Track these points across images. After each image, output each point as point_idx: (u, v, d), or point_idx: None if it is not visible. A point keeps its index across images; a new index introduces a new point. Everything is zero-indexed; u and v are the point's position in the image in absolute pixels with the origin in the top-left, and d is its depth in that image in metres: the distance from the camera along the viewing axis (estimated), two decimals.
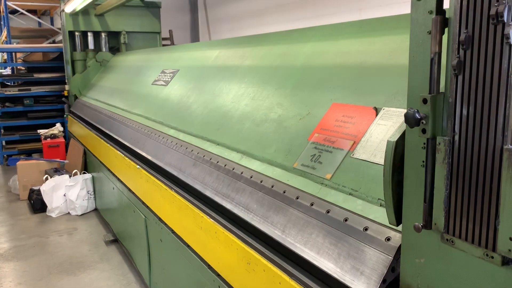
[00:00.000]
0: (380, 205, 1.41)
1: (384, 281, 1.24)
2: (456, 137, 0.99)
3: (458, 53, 0.96)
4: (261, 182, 1.93)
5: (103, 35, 6.72)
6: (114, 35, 6.85)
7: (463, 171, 0.98)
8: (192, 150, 2.62)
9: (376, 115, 1.65)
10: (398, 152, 1.14)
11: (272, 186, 1.85)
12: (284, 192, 1.77)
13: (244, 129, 2.34)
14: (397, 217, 1.19)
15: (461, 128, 0.98)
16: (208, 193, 2.22)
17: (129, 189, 3.51)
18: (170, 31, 8.71)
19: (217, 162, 2.32)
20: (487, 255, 0.95)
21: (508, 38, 0.86)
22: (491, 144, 0.92)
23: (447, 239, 1.03)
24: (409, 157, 1.10)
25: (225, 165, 2.24)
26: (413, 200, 1.11)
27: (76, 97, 6.69)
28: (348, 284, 1.32)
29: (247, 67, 2.86)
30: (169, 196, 2.58)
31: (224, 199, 2.08)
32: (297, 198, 1.69)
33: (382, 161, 1.49)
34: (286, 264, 1.63)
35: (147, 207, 3.06)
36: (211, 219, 2.10)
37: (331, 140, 1.77)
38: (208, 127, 2.70)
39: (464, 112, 0.96)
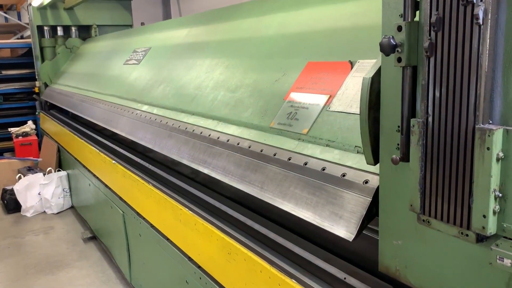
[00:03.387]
0: (357, 152, 1.41)
1: (363, 222, 1.24)
2: (430, 119, 0.99)
3: (430, 35, 0.96)
4: (238, 144, 1.91)
5: (73, 29, 6.51)
6: (84, 29, 6.64)
7: (437, 152, 0.99)
8: (166, 122, 2.58)
9: (351, 68, 1.65)
10: (374, 89, 1.14)
11: (249, 147, 1.83)
12: (262, 151, 1.75)
13: (219, 97, 2.31)
14: (375, 156, 1.18)
15: (434, 109, 0.98)
16: (185, 161, 2.19)
17: (106, 185, 3.45)
18: (142, 24, 8.54)
19: (193, 130, 2.28)
20: (462, 233, 0.96)
21: (477, 18, 0.86)
22: (463, 124, 0.93)
23: (423, 220, 1.04)
24: (385, 89, 1.10)
25: (201, 133, 2.21)
26: (390, 136, 1.11)
27: (46, 85, 6.49)
28: (328, 229, 1.31)
29: (219, 40, 2.82)
30: (147, 190, 2.54)
31: (201, 164, 2.05)
32: (275, 155, 1.68)
33: (357, 111, 1.49)
34: (267, 253, 1.64)
35: (125, 202, 3.01)
36: (190, 211, 2.08)
37: (307, 97, 1.76)
38: (182, 99, 2.66)
39: (437, 93, 0.97)
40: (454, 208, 0.96)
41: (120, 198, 3.10)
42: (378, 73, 1.13)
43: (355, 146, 1.42)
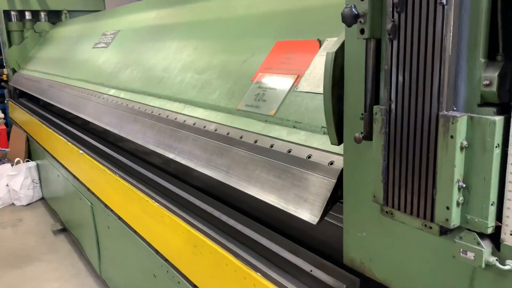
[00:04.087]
0: (324, 133, 1.35)
1: (327, 204, 1.19)
2: (393, 106, 0.93)
3: (393, 17, 0.90)
4: (205, 127, 1.83)
5: (42, 14, 6.25)
6: (55, 14, 6.38)
7: (400, 140, 0.93)
8: (133, 106, 2.48)
9: (320, 47, 1.59)
10: (337, 64, 1.08)
11: (216, 130, 1.76)
12: (228, 134, 1.69)
13: (187, 79, 2.22)
14: (339, 135, 1.13)
15: (397, 96, 0.92)
16: (151, 146, 2.11)
17: (74, 176, 3.33)
18: None
19: (159, 114, 2.20)
20: (425, 225, 0.91)
21: None
22: (427, 111, 0.87)
23: (386, 212, 0.99)
24: (349, 64, 1.04)
25: (167, 116, 2.13)
26: (354, 112, 1.06)
27: (14, 71, 6.25)
28: (292, 212, 1.26)
29: (188, 22, 2.71)
30: (114, 181, 2.45)
31: (167, 149, 1.97)
32: (241, 137, 1.61)
33: None
34: (233, 245, 1.59)
35: (93, 193, 2.91)
36: (157, 203, 2.01)
37: (275, 78, 1.69)
38: (149, 82, 2.56)
39: (400, 78, 0.91)
40: (418, 199, 0.91)
41: (88, 189, 2.99)
42: (342, 48, 1.07)
43: (322, 127, 1.37)
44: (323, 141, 1.33)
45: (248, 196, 1.45)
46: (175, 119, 2.05)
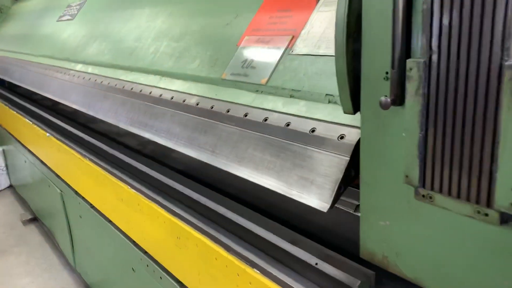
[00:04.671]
0: (329, 102, 1.13)
1: (340, 187, 0.97)
2: (435, 57, 0.70)
3: None
4: (184, 101, 1.59)
5: None
6: None
7: (444, 103, 0.70)
8: (102, 82, 2.20)
9: (317, 2, 1.35)
10: (354, 9, 0.85)
11: (197, 104, 1.52)
12: (212, 107, 1.45)
13: (162, 48, 1.96)
14: (354, 101, 0.91)
15: (440, 43, 0.69)
16: (122, 124, 1.85)
17: (41, 161, 3.03)
18: None
19: (131, 89, 1.93)
20: (479, 212, 0.69)
21: None
22: (484, 61, 0.64)
23: (423, 195, 0.77)
24: (368, 7, 0.81)
25: (140, 91, 1.87)
26: (375, 71, 0.83)
27: None
28: (296, 198, 1.04)
29: None
30: (84, 166, 2.18)
31: (142, 128, 1.72)
32: (228, 111, 1.38)
33: (328, 51, 1.20)
34: (223, 236, 1.35)
35: (62, 180, 2.63)
36: (133, 189, 1.76)
37: (264, 41, 1.45)
38: (120, 54, 2.28)
39: (445, 21, 0.68)
40: (468, 178, 0.70)
41: (57, 175, 2.72)
42: None
43: (326, 94, 1.14)
44: (328, 111, 1.11)
45: (239, 179, 1.22)
46: (150, 93, 1.80)
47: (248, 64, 1.44)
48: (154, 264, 1.71)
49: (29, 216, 3.84)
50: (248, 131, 1.27)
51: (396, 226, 0.87)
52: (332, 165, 1.00)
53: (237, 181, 1.33)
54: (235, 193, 1.61)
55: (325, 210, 0.97)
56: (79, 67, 2.60)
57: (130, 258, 1.91)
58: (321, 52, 1.23)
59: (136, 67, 2.05)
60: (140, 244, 1.82)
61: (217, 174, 1.39)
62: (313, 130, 1.09)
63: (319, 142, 1.06)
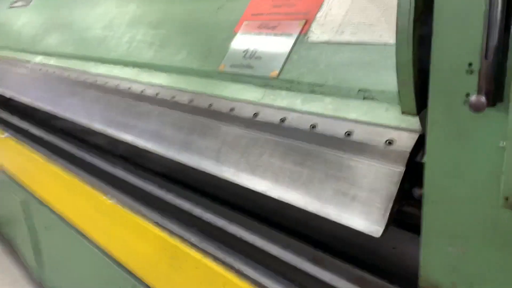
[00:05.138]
0: (364, 98, 0.94)
1: (394, 205, 0.80)
2: None
3: None
4: (174, 98, 1.36)
5: None
6: None
7: None
8: (68, 75, 1.93)
9: None
10: None
11: (191, 101, 1.30)
12: (211, 105, 1.23)
13: (138, 37, 1.71)
14: (419, 99, 0.73)
15: None
16: (97, 125, 1.60)
17: None
18: None
19: (105, 83, 1.68)
20: None
21: None
22: None
23: None
24: None
25: (117, 86, 1.62)
26: (452, 62, 0.65)
27: None
28: (333, 218, 0.86)
29: None
30: (51, 171, 1.90)
31: (122, 130, 1.48)
32: (232, 110, 1.17)
33: (354, 38, 1.02)
34: (229, 257, 1.13)
35: (23, 187, 2.33)
36: (112, 200, 1.51)
37: (269, 26, 1.24)
38: (87, 44, 2.00)
39: None
40: None
41: (17, 182, 2.41)
42: None
43: (359, 90, 0.95)
44: (364, 110, 0.92)
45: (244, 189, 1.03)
46: (129, 89, 1.55)
47: (252, 54, 1.23)
48: (141, 286, 1.49)
49: None
50: (261, 134, 1.06)
51: (473, 253, 0.71)
52: (380, 178, 0.82)
53: (241, 189, 1.13)
54: (237, 201, 1.41)
55: (377, 235, 0.79)
56: (38, 59, 2.30)
57: (111, 277, 1.67)
58: (345, 38, 1.04)
59: (108, 58, 1.80)
60: (123, 263, 1.58)
61: (216, 180, 1.18)
62: (348, 134, 0.90)
63: (358, 148, 0.88)
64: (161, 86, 1.44)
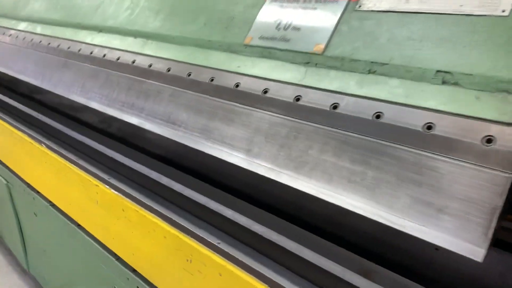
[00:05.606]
0: (444, 83, 0.76)
1: (498, 222, 0.62)
2: None
3: None
4: (189, 75, 1.16)
5: None
6: None
7: None
8: (59, 45, 1.69)
9: None
10: None
11: (212, 80, 1.10)
12: (237, 86, 1.03)
13: (142, 2, 1.48)
14: None
15: None
16: (96, 105, 1.39)
17: None
18: None
19: (104, 55, 1.46)
20: None
21: None
22: None
23: None
24: None
25: (118, 59, 1.40)
26: None
27: None
28: (413, 232, 0.68)
29: None
30: (39, 154, 1.68)
31: (125, 110, 1.27)
32: (265, 92, 0.97)
33: (425, 7, 0.83)
34: (264, 267, 0.95)
35: (9, 168, 2.10)
36: (112, 190, 1.31)
37: None
38: (80, 10, 1.76)
39: None
40: None
41: (1, 162, 2.19)
42: None
43: (437, 71, 0.77)
44: (447, 98, 0.74)
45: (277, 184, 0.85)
46: (133, 62, 1.34)
47: (287, 25, 1.03)
48: (148, 286, 1.32)
49: None
50: (305, 123, 0.88)
51: None
52: (478, 185, 0.65)
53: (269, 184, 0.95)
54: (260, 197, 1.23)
55: (479, 258, 0.62)
56: (23, 26, 2.04)
57: (111, 273, 1.49)
58: (413, 7, 0.85)
59: (106, 26, 1.57)
60: (126, 260, 1.41)
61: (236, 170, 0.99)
62: (429, 127, 0.72)
63: (444, 145, 0.70)
64: (173, 61, 1.23)
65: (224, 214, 1.15)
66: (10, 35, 2.06)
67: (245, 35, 1.11)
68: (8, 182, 2.17)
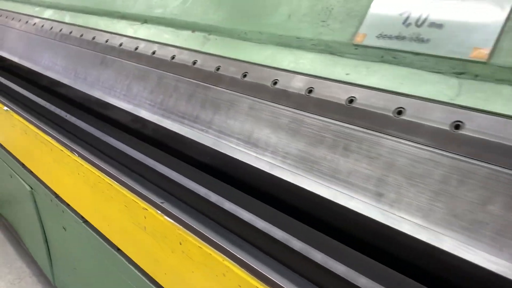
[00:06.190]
0: None
1: None
2: None
3: None
4: (275, 84, 0.90)
5: None
6: None
7: None
8: (94, 38, 1.44)
9: None
10: None
11: (310, 91, 0.84)
12: (351, 101, 0.77)
13: None
14: None
15: None
16: (146, 114, 1.14)
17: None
18: None
19: (153, 53, 1.20)
20: None
21: None
22: None
23: None
24: None
25: (172, 58, 1.14)
26: None
27: None
28: None
29: None
30: (71, 163, 1.44)
31: (187, 123, 1.02)
32: (399, 113, 0.71)
33: None
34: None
35: (33, 174, 1.87)
36: (168, 218, 1.06)
37: None
38: None
39: None
40: None
41: (25, 166, 1.96)
42: None
43: None
44: None
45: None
46: (194, 64, 1.08)
47: (422, 20, 0.76)
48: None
49: None
50: (474, 162, 0.62)
51: None
52: None
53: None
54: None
55: None
56: (48, 13, 1.79)
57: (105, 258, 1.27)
58: None
59: (152, 16, 1.31)
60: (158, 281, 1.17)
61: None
62: None
63: None
64: (248, 63, 0.97)
65: (252, 223, 0.90)
66: (34, 24, 1.80)
67: (352, 32, 0.84)
68: (32, 188, 1.95)
